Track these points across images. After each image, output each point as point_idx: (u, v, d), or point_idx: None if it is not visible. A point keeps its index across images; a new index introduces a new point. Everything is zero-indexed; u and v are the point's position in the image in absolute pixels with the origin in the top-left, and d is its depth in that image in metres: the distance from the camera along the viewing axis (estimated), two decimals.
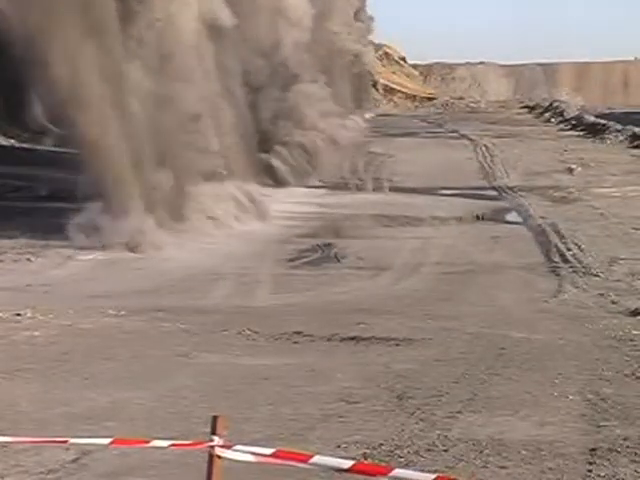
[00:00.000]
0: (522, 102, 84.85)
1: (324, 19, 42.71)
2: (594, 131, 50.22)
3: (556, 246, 21.77)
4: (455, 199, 30.51)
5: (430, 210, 27.71)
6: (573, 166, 36.57)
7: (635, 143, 43.91)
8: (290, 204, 28.94)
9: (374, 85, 79.97)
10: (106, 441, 6.66)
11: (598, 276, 18.48)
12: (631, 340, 12.86)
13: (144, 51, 23.69)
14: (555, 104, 70.85)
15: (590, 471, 7.88)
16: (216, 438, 5.50)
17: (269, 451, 5.44)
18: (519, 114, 72.88)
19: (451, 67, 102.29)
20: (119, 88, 22.91)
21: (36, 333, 12.89)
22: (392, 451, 8.29)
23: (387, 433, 8.75)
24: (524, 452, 8.29)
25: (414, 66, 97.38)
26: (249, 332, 13.17)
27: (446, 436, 8.67)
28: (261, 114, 32.00)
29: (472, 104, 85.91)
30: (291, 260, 21.35)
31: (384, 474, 4.98)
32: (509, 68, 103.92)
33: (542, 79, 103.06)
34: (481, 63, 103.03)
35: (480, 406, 9.64)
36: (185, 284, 18.73)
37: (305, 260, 21.37)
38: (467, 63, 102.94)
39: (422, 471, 7.13)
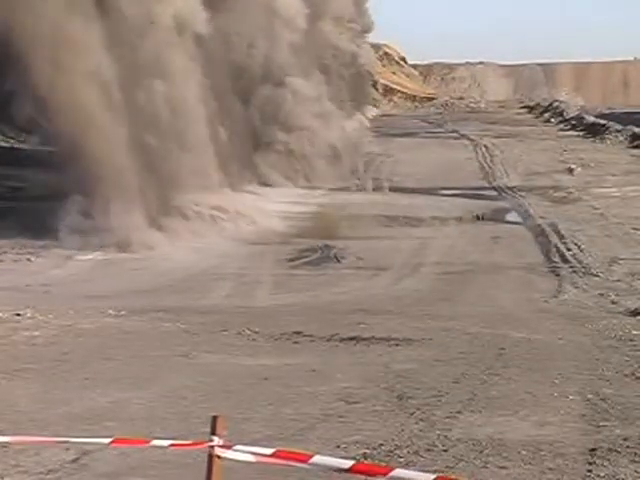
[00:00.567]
0: (522, 102, 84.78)
1: (318, 19, 42.65)
2: (594, 131, 50.20)
3: (556, 246, 21.78)
4: (455, 199, 30.52)
5: (430, 210, 27.72)
6: (573, 166, 36.57)
7: (635, 143, 43.91)
8: (286, 204, 28.89)
9: (374, 85, 79.92)
10: (106, 441, 6.65)
11: (598, 276, 18.49)
12: (631, 340, 12.86)
13: (124, 50, 23.51)
14: (555, 104, 70.81)
15: (590, 471, 7.88)
16: (216, 438, 5.50)
17: (269, 451, 5.43)
18: (519, 114, 72.84)
19: (451, 67, 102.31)
20: (104, 87, 22.76)
21: (36, 333, 12.89)
22: (392, 451, 8.29)
23: (387, 433, 8.75)
24: (524, 452, 8.29)
25: (414, 66, 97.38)
26: (249, 332, 13.17)
27: (446, 436, 8.67)
28: (251, 114, 31.81)
29: (472, 104, 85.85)
30: (291, 260, 21.37)
31: (384, 474, 4.98)
32: (509, 68, 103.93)
33: (542, 79, 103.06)
34: (481, 63, 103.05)
35: (480, 406, 9.64)
36: (185, 284, 18.75)
37: (305, 260, 21.39)
38: (467, 63, 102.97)
39: (422, 471, 7.14)
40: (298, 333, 13.13)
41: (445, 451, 8.31)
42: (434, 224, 25.88)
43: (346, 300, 16.67)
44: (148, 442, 6.50)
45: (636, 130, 45.81)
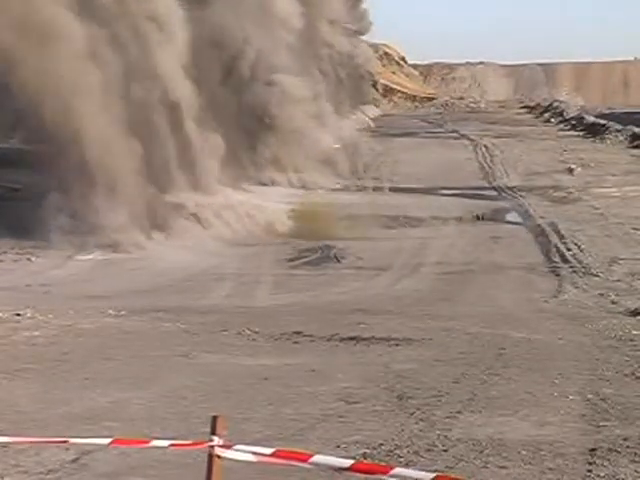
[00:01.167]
0: (522, 102, 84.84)
1: (314, 19, 42.61)
2: (594, 131, 50.21)
3: (556, 246, 21.78)
4: (455, 199, 30.52)
5: (430, 210, 27.72)
6: (573, 166, 36.57)
7: (635, 143, 43.91)
8: (284, 204, 28.85)
9: (374, 85, 79.94)
10: (106, 441, 6.65)
11: (598, 276, 18.49)
12: (631, 340, 12.86)
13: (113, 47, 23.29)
14: (555, 104, 70.85)
15: (590, 471, 7.87)
16: (216, 438, 5.50)
17: (269, 451, 5.43)
18: (519, 114, 72.87)
19: (451, 67, 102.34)
20: (92, 85, 22.52)
21: (36, 333, 12.89)
22: (392, 451, 8.28)
23: (387, 433, 8.75)
24: (524, 452, 8.29)
25: (414, 66, 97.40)
26: (249, 332, 13.17)
27: (446, 436, 8.67)
28: (242, 112, 31.60)
29: (472, 104, 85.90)
30: (291, 260, 21.37)
31: (384, 473, 4.98)
32: (509, 68, 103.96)
33: (542, 79, 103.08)
34: (481, 63, 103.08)
35: (480, 406, 9.63)
36: (185, 284, 18.75)
37: (305, 260, 21.39)
38: (467, 63, 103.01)
39: (422, 471, 7.14)
40: (298, 333, 13.12)
41: (445, 451, 8.31)
42: (434, 224, 25.88)
43: (346, 300, 16.66)
44: (148, 442, 6.50)
45: (636, 130, 45.82)
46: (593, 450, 8.35)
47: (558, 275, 18.83)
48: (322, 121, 38.98)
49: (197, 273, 19.84)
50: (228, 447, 5.49)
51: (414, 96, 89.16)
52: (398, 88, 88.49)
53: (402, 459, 8.05)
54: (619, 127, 48.21)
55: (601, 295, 16.72)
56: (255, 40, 32.18)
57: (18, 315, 13.87)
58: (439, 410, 9.46)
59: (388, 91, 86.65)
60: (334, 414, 9.38)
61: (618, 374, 11.00)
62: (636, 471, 7.88)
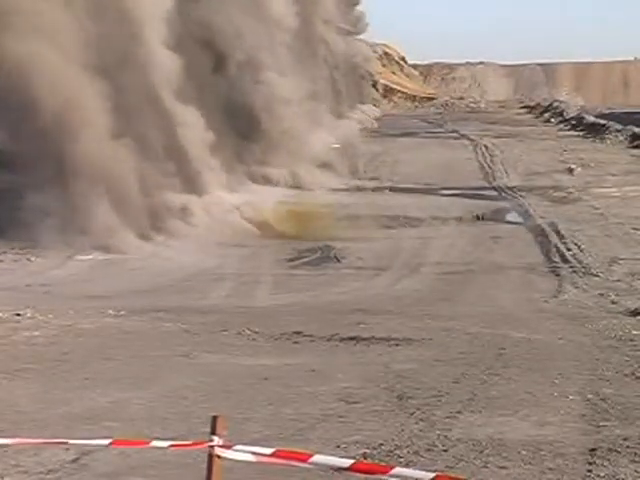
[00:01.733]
0: (522, 102, 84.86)
1: (309, 18, 42.58)
2: (594, 131, 50.23)
3: (556, 246, 21.78)
4: (455, 199, 30.52)
5: (430, 210, 27.72)
6: (573, 166, 36.58)
7: (635, 143, 43.92)
8: (279, 204, 28.77)
9: (374, 85, 79.97)
10: (106, 441, 6.65)
11: (598, 276, 18.49)
12: (631, 340, 12.86)
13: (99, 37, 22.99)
14: (555, 104, 70.88)
15: (590, 471, 7.87)
16: (216, 438, 5.50)
17: (269, 451, 5.43)
18: (519, 114, 72.89)
19: (451, 67, 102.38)
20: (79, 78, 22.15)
21: (36, 333, 12.89)
22: (392, 451, 8.28)
23: (387, 433, 8.75)
24: (524, 452, 8.29)
25: (414, 66, 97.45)
26: (249, 332, 13.17)
27: (446, 436, 8.67)
28: (230, 111, 31.44)
29: (472, 104, 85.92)
30: (291, 260, 21.37)
31: (384, 473, 4.98)
32: (509, 68, 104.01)
33: (542, 79, 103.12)
34: (481, 63, 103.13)
35: (480, 406, 9.63)
36: (185, 284, 18.75)
37: (305, 260, 21.39)
38: (467, 63, 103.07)
39: (421, 471, 7.13)
40: (298, 333, 13.12)
41: (445, 451, 8.31)
42: (434, 224, 25.88)
43: (346, 300, 16.66)
44: (148, 442, 6.50)
45: (636, 130, 45.82)
46: (593, 450, 8.35)
47: (558, 275, 18.83)
48: (318, 121, 38.92)
49: (197, 273, 19.84)
50: (228, 447, 5.49)
51: (414, 96, 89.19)
52: (398, 88, 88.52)
53: (402, 459, 8.05)
54: (619, 127, 48.22)
55: (601, 295, 16.72)
56: (246, 37, 32.09)
57: (18, 315, 13.87)
58: (439, 410, 9.46)
59: (388, 91, 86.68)
60: (334, 414, 9.38)
61: (618, 374, 10.99)
62: (636, 471, 7.88)
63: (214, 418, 5.57)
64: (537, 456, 8.19)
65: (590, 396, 10.02)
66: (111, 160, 22.45)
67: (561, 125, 58.98)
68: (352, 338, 12.79)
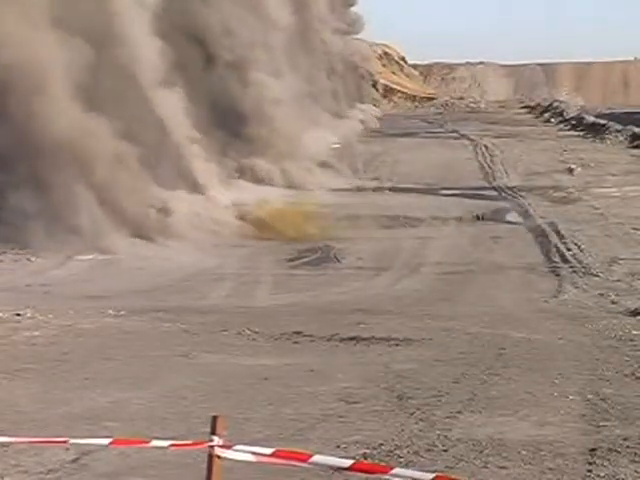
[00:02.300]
0: (522, 102, 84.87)
1: (304, 17, 42.54)
2: (594, 131, 50.23)
3: (556, 246, 21.78)
4: (455, 199, 30.52)
5: (430, 210, 27.72)
6: (573, 166, 36.58)
7: (635, 143, 43.92)
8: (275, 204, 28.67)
9: (374, 85, 80.00)
10: (106, 441, 6.65)
11: (598, 276, 18.49)
12: (631, 340, 12.85)
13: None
14: (555, 104, 70.89)
15: (590, 471, 7.87)
16: (216, 438, 5.50)
17: (269, 451, 5.43)
18: (519, 114, 72.89)
19: (451, 67, 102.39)
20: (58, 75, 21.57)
21: (36, 333, 12.89)
22: (392, 451, 8.28)
23: (387, 433, 8.75)
24: (524, 452, 8.29)
25: (414, 66, 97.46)
26: (249, 332, 13.17)
27: (446, 436, 8.67)
28: (220, 109, 31.27)
29: (472, 104, 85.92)
30: (291, 260, 21.36)
31: (384, 473, 4.98)
32: (509, 68, 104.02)
33: (542, 79, 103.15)
34: (481, 63, 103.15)
35: (480, 406, 9.63)
36: (185, 284, 18.75)
37: (305, 260, 21.38)
38: (467, 63, 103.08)
39: (422, 471, 7.13)
40: (298, 333, 13.12)
41: (445, 451, 8.31)
42: (434, 224, 25.88)
43: (346, 300, 16.66)
44: (148, 442, 6.50)
45: (636, 130, 45.82)
46: (593, 450, 8.35)
47: (558, 275, 18.83)
48: (315, 121, 38.85)
49: (196, 273, 19.84)
50: (228, 447, 5.49)
51: (414, 96, 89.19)
52: (398, 88, 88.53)
53: (402, 459, 8.05)
54: (619, 127, 48.22)
55: (601, 295, 16.72)
56: (238, 36, 31.99)
57: (18, 315, 13.87)
58: (439, 410, 9.46)
59: (388, 91, 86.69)
60: (334, 414, 9.38)
61: (618, 374, 10.99)
62: (636, 471, 7.88)
63: (214, 418, 5.57)
64: (537, 456, 8.19)
65: (590, 396, 10.02)
66: (99, 156, 22.17)
67: (561, 125, 58.99)
68: (352, 338, 12.79)
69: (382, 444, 8.45)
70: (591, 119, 55.43)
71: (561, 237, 22.74)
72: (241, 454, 5.49)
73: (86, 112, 22.16)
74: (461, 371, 11.02)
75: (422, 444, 8.45)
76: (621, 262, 19.70)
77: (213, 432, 5.51)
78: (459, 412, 9.42)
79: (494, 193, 31.74)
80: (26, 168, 21.82)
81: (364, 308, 15.39)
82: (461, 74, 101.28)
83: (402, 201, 29.91)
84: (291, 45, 37.49)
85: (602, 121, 52.29)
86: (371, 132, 54.21)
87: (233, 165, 30.85)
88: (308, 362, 11.52)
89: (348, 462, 5.21)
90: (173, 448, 6.86)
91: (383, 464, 7.52)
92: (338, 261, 21.23)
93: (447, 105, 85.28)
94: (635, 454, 8.26)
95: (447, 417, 9.25)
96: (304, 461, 5.30)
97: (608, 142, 46.05)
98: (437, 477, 4.79)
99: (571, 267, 19.46)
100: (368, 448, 8.35)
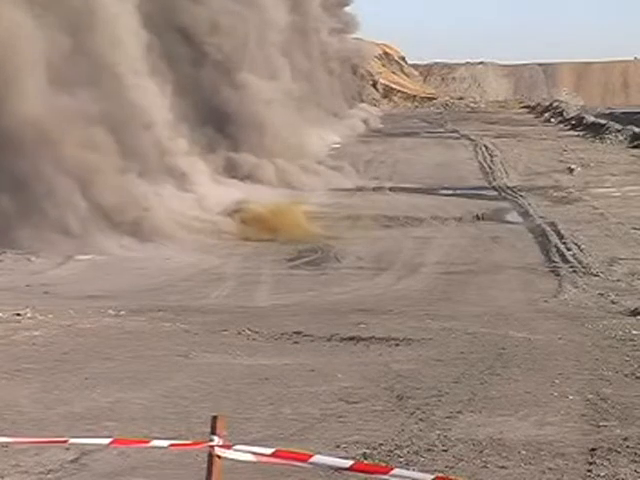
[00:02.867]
0: (522, 102, 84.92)
1: (300, 17, 42.54)
2: (594, 131, 50.25)
3: (556, 246, 21.77)
4: (455, 199, 30.52)
5: (430, 210, 27.72)
6: (573, 166, 36.59)
7: (635, 143, 43.94)
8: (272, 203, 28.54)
9: (374, 85, 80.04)
10: (106, 441, 6.66)
11: (598, 276, 18.49)
12: (631, 340, 12.85)
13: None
14: (555, 104, 70.94)
15: (590, 471, 7.87)
16: (216, 438, 5.50)
17: (269, 451, 5.43)
18: (519, 114, 72.94)
19: (451, 67, 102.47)
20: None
21: (36, 333, 12.88)
22: (392, 451, 8.28)
23: (387, 433, 8.75)
24: (524, 452, 8.29)
25: (414, 66, 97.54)
26: (249, 332, 13.16)
27: (446, 436, 8.67)
28: (210, 108, 31.12)
29: (472, 104, 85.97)
30: (291, 260, 21.36)
31: (384, 473, 4.98)
32: (509, 68, 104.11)
33: (542, 79, 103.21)
34: (481, 63, 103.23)
35: (480, 406, 9.63)
36: (184, 284, 18.74)
37: (305, 260, 21.37)
38: (467, 63, 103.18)
39: (422, 471, 7.15)
40: (298, 333, 13.12)
41: (445, 451, 8.31)
42: (434, 224, 25.88)
43: (346, 300, 16.66)
44: (148, 442, 6.50)
45: (636, 130, 45.84)
46: (593, 450, 8.35)
47: (558, 275, 18.82)
48: (313, 120, 38.82)
49: (197, 273, 19.83)
50: (228, 447, 5.50)
51: (414, 96, 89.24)
52: (398, 88, 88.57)
53: (402, 459, 8.05)
54: (619, 127, 48.24)
55: (601, 295, 16.71)
56: (232, 35, 31.92)
57: (18, 315, 13.86)
58: (439, 410, 9.46)
59: (388, 91, 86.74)
60: (334, 414, 9.38)
61: (618, 374, 10.99)
62: (636, 471, 7.88)
63: (214, 418, 5.57)
64: (537, 456, 8.19)
65: (590, 396, 10.01)
66: (88, 153, 21.95)
67: (561, 125, 59.01)
68: (352, 338, 12.79)
69: (382, 444, 8.45)
70: (591, 119, 55.46)
71: (561, 237, 22.73)
72: (241, 454, 5.49)
73: (59, 96, 21.83)
74: (461, 371, 11.02)
75: (422, 444, 8.45)
76: (621, 262, 19.69)
77: (213, 432, 5.51)
78: (459, 412, 9.42)
79: (494, 193, 31.75)
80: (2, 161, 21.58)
81: (364, 308, 15.38)
82: (461, 74, 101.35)
83: (402, 201, 29.92)
84: (288, 45, 37.46)
85: (602, 121, 52.31)
86: (371, 132, 54.22)
87: (221, 162, 30.73)
88: (308, 362, 11.52)
89: (348, 462, 5.21)
90: (173, 448, 6.87)
91: (383, 464, 7.52)
92: (338, 261, 21.22)
93: (447, 105, 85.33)
94: (635, 454, 8.26)
95: (447, 417, 9.25)
96: (304, 461, 5.31)
97: (608, 142, 46.07)
98: (437, 478, 4.79)
99: (571, 267, 19.45)
100: (368, 448, 8.35)
